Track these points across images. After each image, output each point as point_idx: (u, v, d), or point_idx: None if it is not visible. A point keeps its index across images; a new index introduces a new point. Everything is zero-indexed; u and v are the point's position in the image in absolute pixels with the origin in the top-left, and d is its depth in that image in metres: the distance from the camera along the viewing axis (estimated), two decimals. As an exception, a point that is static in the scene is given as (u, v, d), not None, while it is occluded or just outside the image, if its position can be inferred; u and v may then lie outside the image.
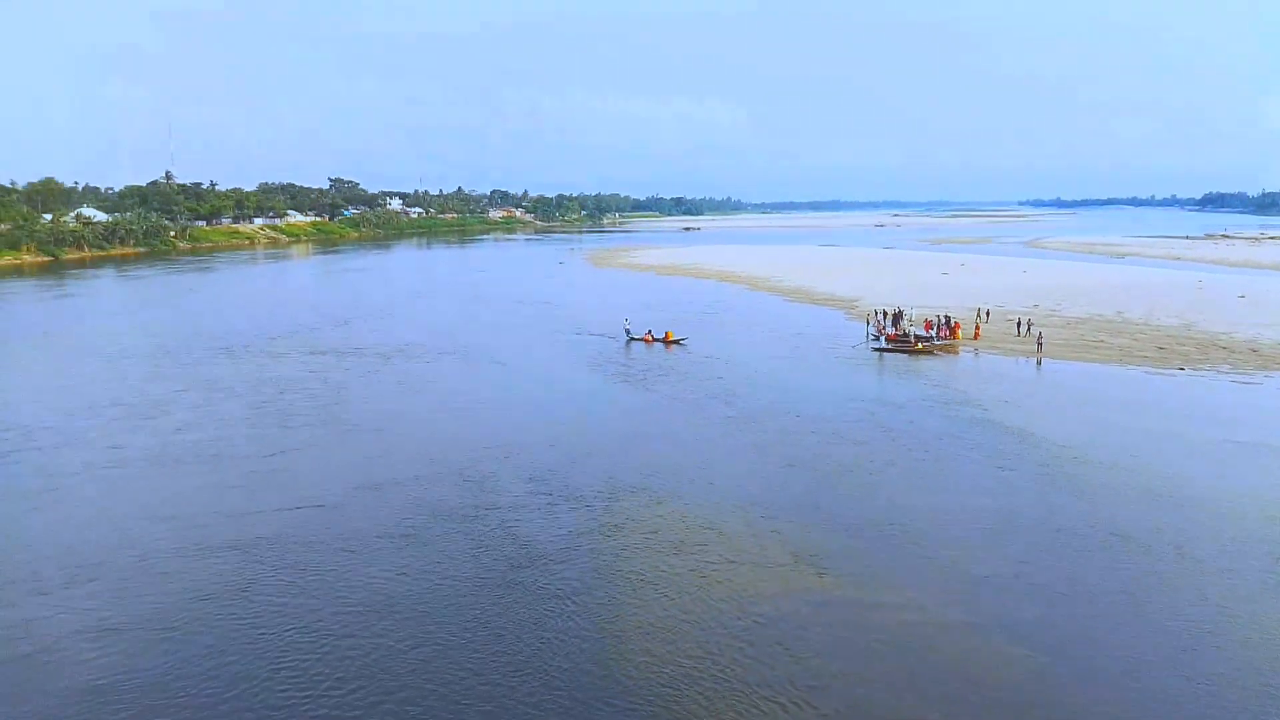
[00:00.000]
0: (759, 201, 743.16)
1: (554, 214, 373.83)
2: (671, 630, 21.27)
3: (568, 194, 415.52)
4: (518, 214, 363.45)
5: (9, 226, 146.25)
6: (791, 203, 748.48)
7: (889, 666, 19.66)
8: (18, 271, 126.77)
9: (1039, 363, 53.38)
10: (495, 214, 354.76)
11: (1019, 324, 63.56)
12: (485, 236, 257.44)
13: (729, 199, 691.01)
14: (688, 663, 19.72)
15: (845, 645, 20.54)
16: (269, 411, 42.48)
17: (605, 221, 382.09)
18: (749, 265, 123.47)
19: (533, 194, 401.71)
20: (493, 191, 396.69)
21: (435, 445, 36.75)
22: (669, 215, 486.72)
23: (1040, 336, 57.64)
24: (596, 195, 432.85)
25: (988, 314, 69.00)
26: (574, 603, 22.65)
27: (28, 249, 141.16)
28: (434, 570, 24.65)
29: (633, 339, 62.53)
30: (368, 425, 40.07)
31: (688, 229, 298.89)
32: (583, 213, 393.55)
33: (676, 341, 60.96)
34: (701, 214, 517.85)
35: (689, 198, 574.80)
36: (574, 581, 23.86)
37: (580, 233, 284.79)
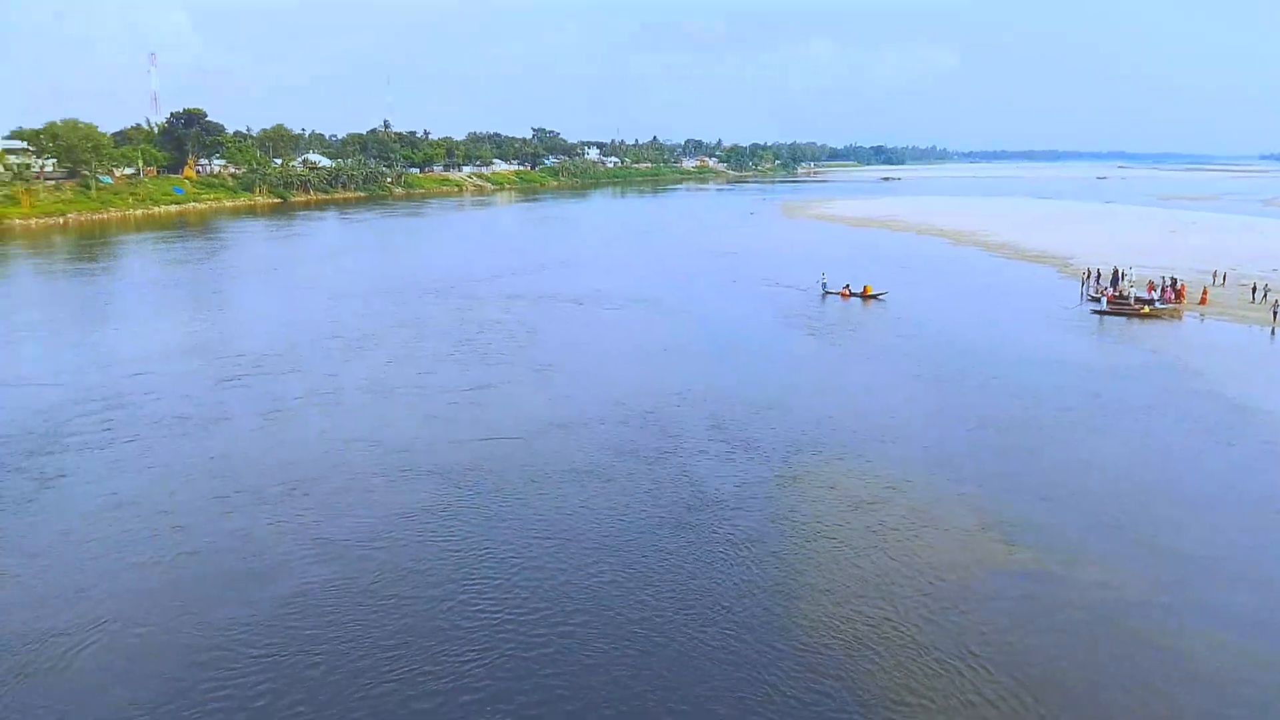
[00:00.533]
0: (966, 150, 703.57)
1: (747, 163, 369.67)
2: (846, 587, 21.03)
3: (762, 143, 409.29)
4: (710, 163, 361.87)
5: (245, 169, 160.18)
6: (1002, 152, 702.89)
7: (1080, 646, 18.63)
8: (251, 211, 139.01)
9: (1274, 332, 48.17)
10: (688, 163, 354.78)
11: (1254, 290, 57.42)
12: (678, 186, 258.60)
13: (933, 148, 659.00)
14: (863, 623, 19.46)
15: (1033, 620, 19.61)
16: (469, 349, 44.82)
17: (800, 171, 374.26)
18: (952, 218, 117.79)
19: (726, 143, 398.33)
20: (686, 141, 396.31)
21: (621, 388, 37.63)
22: (868, 165, 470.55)
23: (1278, 304, 51.86)
24: (791, 144, 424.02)
25: (1223, 278, 62.69)
26: (747, 550, 22.78)
27: (260, 190, 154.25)
28: (614, 506, 25.43)
29: (829, 293, 60.99)
30: (559, 366, 41.55)
31: (887, 179, 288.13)
32: (776, 162, 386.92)
33: (875, 296, 59.09)
34: (903, 163, 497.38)
35: (890, 146, 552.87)
36: (748, 529, 23.98)
37: (773, 182, 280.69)
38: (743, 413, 34.12)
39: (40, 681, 17.19)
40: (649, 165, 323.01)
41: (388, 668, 17.61)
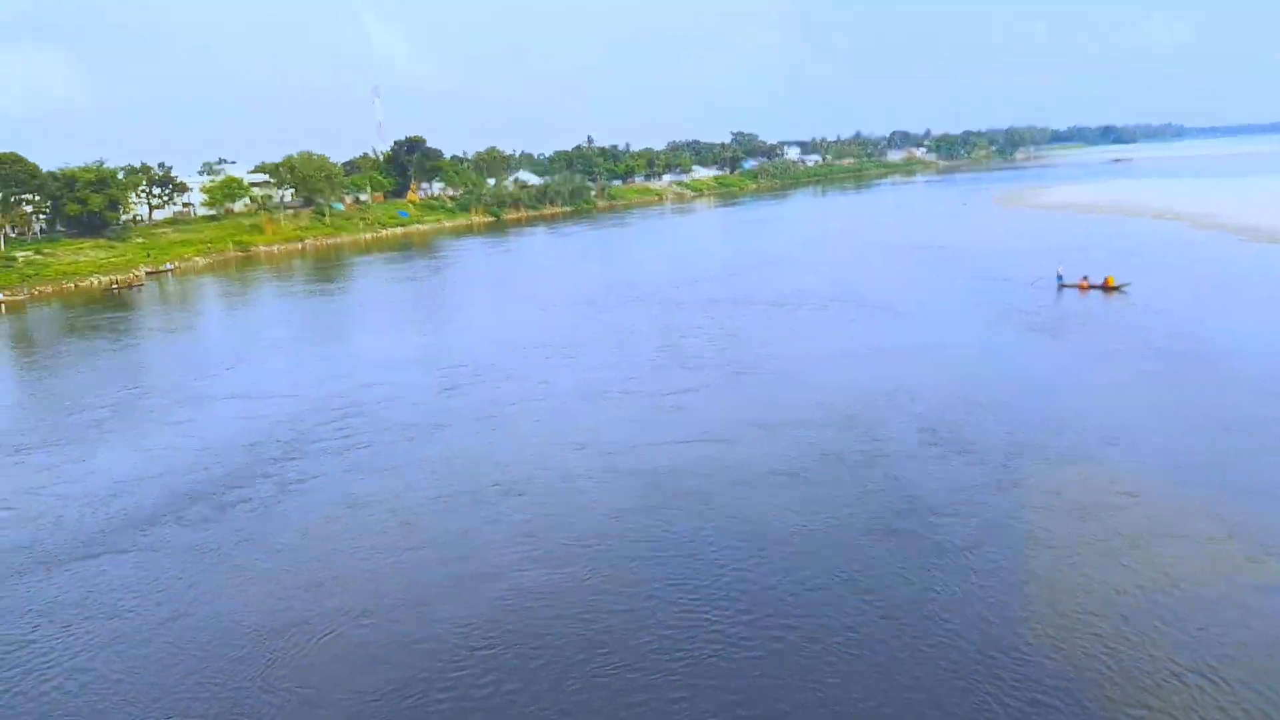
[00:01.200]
0: (1206, 126, 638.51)
1: (958, 152, 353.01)
2: (1072, 599, 19.50)
3: (975, 130, 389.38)
4: (918, 154, 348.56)
5: (462, 191, 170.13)
6: (1249, 126, 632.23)
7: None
8: (469, 230, 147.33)
9: None
10: (894, 156, 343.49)
11: None
12: (882, 180, 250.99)
13: (1169, 125, 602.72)
14: (1091, 637, 17.98)
15: (1296, 640, 17.40)
16: (671, 354, 45.37)
17: (1018, 157, 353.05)
18: (1192, 200, 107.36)
19: (935, 133, 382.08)
20: (892, 133, 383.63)
21: (825, 390, 36.84)
22: (1094, 146, 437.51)
23: None
24: (1008, 129, 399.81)
25: None
26: (961, 559, 21.62)
27: (476, 210, 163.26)
28: (819, 510, 24.87)
29: (1065, 285, 56.87)
30: (761, 369, 41.24)
31: (1117, 160, 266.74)
32: (991, 149, 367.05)
33: (1117, 288, 54.63)
34: (1134, 142, 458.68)
35: (1119, 125, 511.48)
36: (962, 537, 22.76)
37: (987, 170, 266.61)
38: (957, 414, 32.51)
39: (282, 669, 18.86)
40: (852, 161, 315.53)
41: (598, 664, 18.04)
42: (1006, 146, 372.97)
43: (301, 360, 51.08)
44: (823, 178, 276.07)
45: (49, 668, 19.32)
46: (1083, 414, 31.73)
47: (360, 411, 37.78)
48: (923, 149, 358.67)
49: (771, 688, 16.93)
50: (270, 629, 20.45)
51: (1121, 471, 26.18)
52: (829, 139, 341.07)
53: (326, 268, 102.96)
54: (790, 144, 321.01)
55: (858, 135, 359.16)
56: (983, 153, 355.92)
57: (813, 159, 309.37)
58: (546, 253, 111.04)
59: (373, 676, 18.22)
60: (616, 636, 19.04)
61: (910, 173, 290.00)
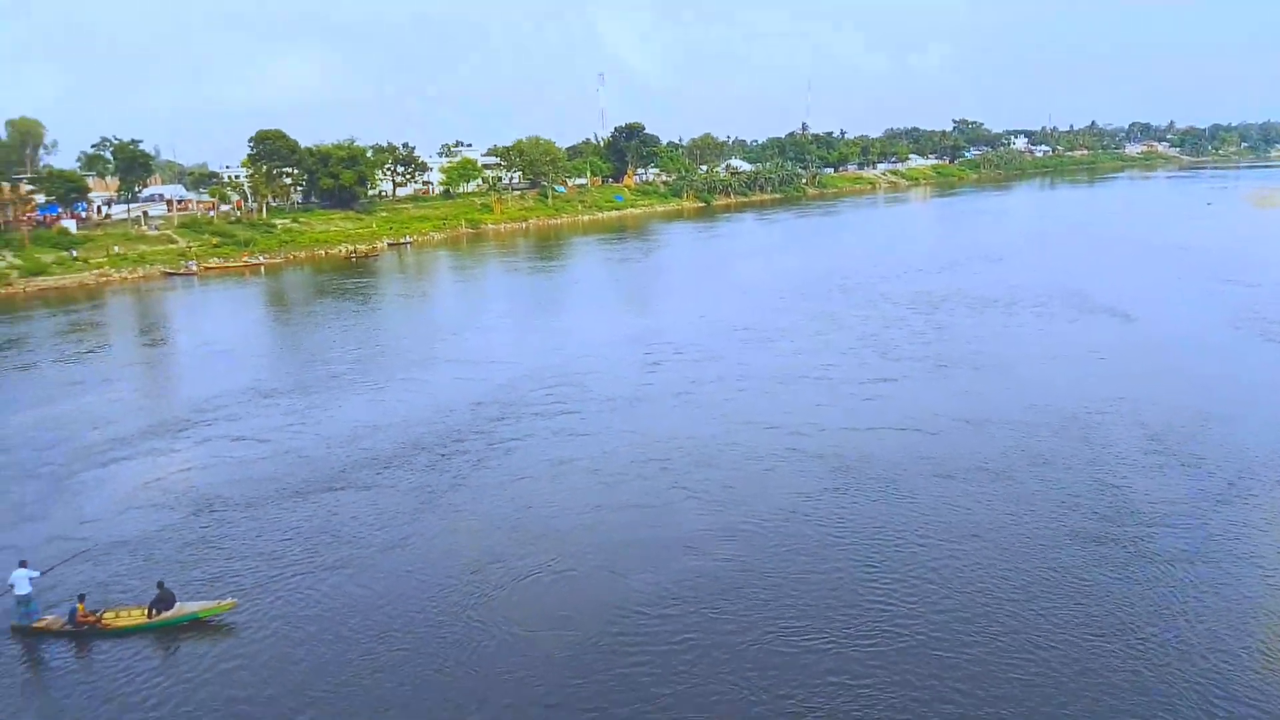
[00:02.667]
0: None
1: (1204, 147, 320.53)
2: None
3: (1224, 124, 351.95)
4: (1159, 149, 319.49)
5: (675, 177, 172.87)
6: None
7: None
8: (679, 214, 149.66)
9: None
10: (1132, 149, 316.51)
11: None
12: (1117, 175, 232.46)
13: None
14: (1321, 666, 16.59)
15: None
16: (873, 343, 44.73)
17: (1273, 154, 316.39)
18: None
19: (1179, 125, 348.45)
20: (1131, 124, 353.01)
21: (1038, 390, 35.28)
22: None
23: None
24: (1263, 123, 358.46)
25: None
26: (1184, 572, 20.37)
27: (687, 195, 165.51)
28: (1022, 510, 24.11)
29: None
30: (968, 364, 39.97)
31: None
32: (1242, 144, 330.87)
33: None
34: None
35: None
36: (1178, 551, 21.41)
37: (1236, 168, 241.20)
38: (1184, 424, 30.34)
39: (483, 603, 20.56)
40: (1084, 153, 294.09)
41: (778, 640, 18.49)
42: (1260, 143, 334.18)
43: (520, 331, 54.29)
44: (1051, 170, 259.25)
45: (294, 580, 22.01)
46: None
47: (570, 381, 39.82)
48: (1164, 143, 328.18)
49: (954, 685, 16.80)
50: (476, 566, 22.32)
51: (1377, 499, 23.69)
52: (1060, 129, 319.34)
53: (547, 247, 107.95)
54: (1017, 133, 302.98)
55: (1092, 125, 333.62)
56: (1232, 149, 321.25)
57: (1041, 150, 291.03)
58: (753, 239, 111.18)
59: (562, 628, 19.51)
60: (799, 615, 19.40)
61: (1149, 167, 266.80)
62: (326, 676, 17.90)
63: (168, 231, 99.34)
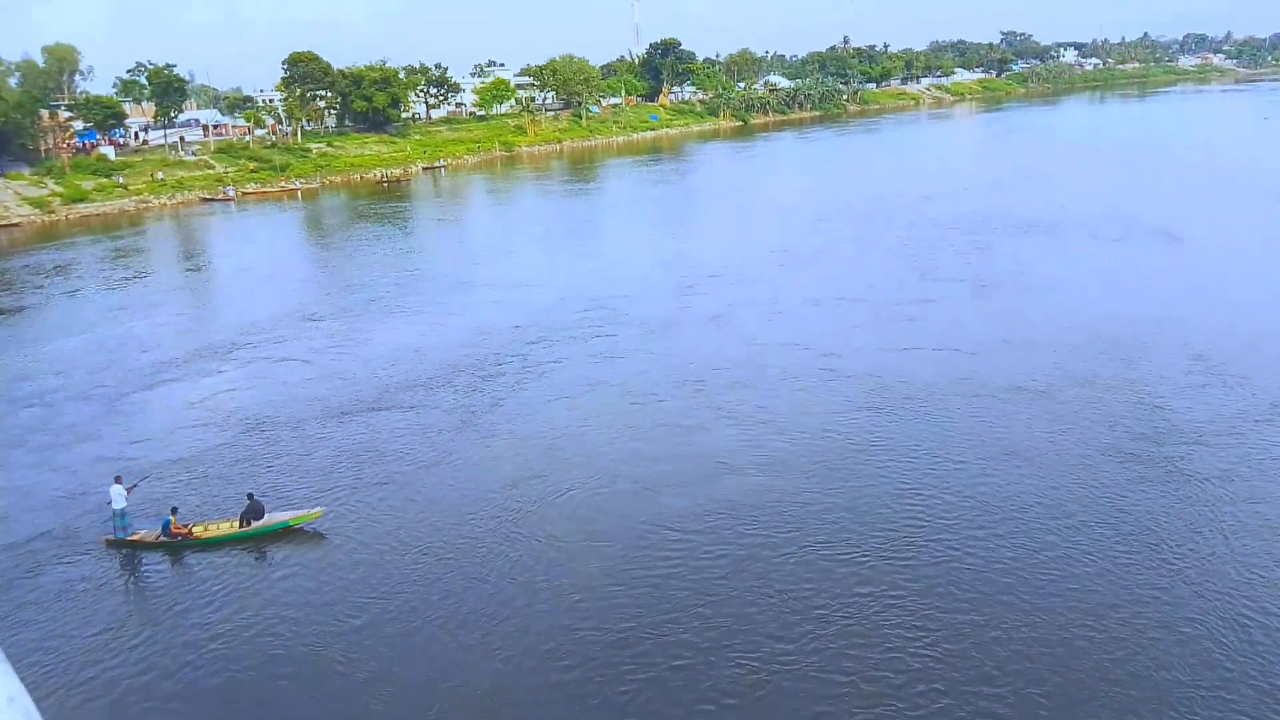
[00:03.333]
0: None
1: (1263, 58, 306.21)
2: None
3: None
4: (1215, 61, 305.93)
5: (711, 95, 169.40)
6: None
7: None
8: (715, 134, 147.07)
9: None
10: (1186, 62, 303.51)
11: None
12: (1170, 89, 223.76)
13: None
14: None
15: None
16: (913, 265, 44.18)
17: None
18: None
19: (1237, 36, 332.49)
20: (1185, 36, 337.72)
21: (1081, 312, 34.76)
22: None
23: None
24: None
25: None
26: (1219, 490, 20.28)
27: (724, 114, 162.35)
28: (1060, 429, 24.03)
29: None
30: (1009, 284, 39.43)
31: None
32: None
33: None
34: None
35: None
36: (1217, 469, 21.28)
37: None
38: (1230, 347, 29.75)
39: (518, 517, 21.04)
40: (1136, 66, 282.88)
41: (811, 559, 18.77)
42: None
43: (556, 255, 54.28)
44: (1101, 84, 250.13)
45: (349, 496, 22.65)
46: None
47: (606, 305, 39.90)
48: (1220, 55, 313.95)
49: (984, 600, 17.01)
50: (512, 481, 22.81)
51: None
52: (1111, 41, 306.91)
53: (581, 169, 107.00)
54: (1066, 46, 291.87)
55: (1144, 37, 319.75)
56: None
57: (1091, 63, 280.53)
58: (791, 159, 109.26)
59: (592, 543, 19.95)
60: (832, 531, 19.64)
61: (1203, 81, 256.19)
62: (377, 586, 18.56)
63: (204, 157, 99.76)
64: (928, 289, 39.31)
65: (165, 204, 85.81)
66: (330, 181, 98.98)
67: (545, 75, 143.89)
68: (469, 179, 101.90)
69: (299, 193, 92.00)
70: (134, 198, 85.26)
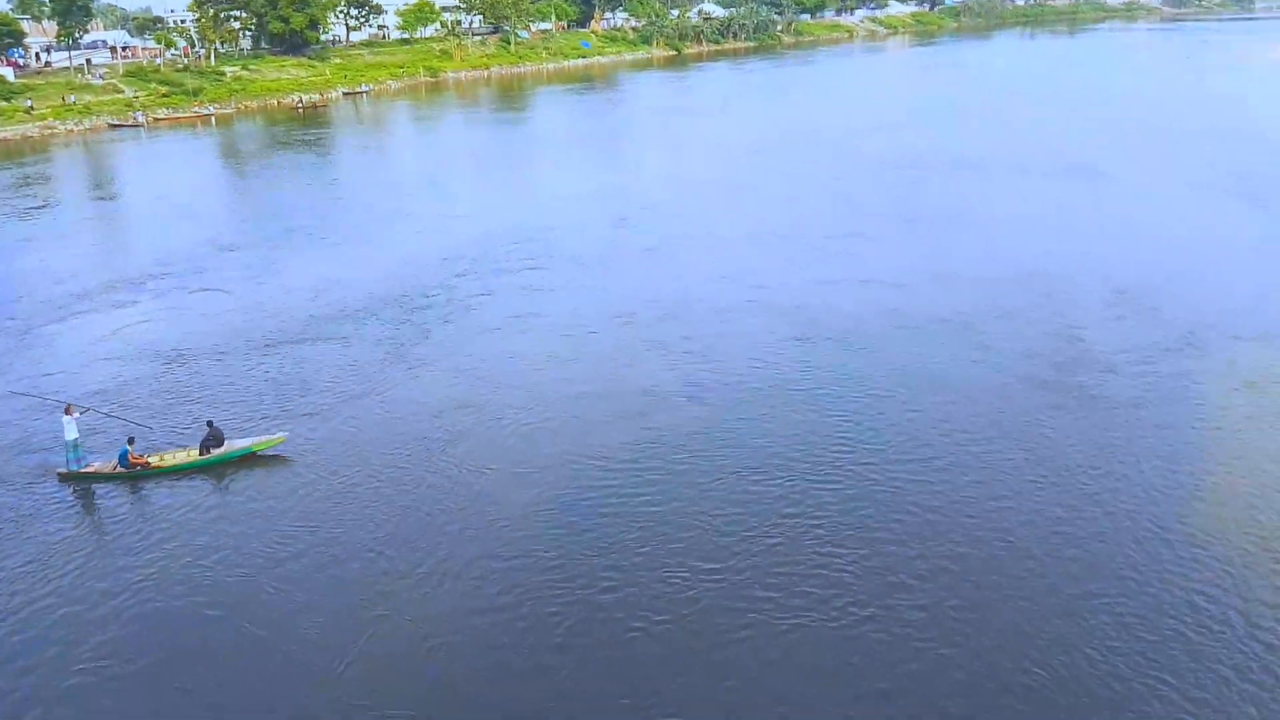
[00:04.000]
0: None
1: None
2: (1233, 472, 18.93)
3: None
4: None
5: (644, 22, 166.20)
6: None
7: None
8: (648, 63, 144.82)
9: None
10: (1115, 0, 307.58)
11: None
12: (1098, 25, 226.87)
13: None
14: (1250, 513, 17.56)
15: None
16: (842, 200, 44.65)
17: (1258, 7, 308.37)
18: None
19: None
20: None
21: (1004, 245, 35.67)
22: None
23: None
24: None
25: None
26: (1128, 416, 21.17)
27: (657, 43, 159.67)
28: (982, 359, 24.69)
29: None
30: (936, 220, 40.08)
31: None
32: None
33: None
34: None
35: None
36: (1132, 398, 22.18)
37: (1219, 19, 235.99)
38: (1151, 281, 30.68)
39: (452, 446, 20.96)
40: (1067, 2, 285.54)
41: (742, 484, 19.09)
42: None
43: (485, 186, 53.26)
44: (1032, 20, 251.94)
45: (276, 428, 22.20)
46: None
47: (535, 237, 39.42)
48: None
49: (906, 520, 17.55)
50: (443, 411, 22.65)
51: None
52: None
53: (511, 97, 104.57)
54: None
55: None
56: (1215, 0, 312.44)
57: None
58: (726, 91, 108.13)
59: (524, 467, 20.01)
60: (761, 459, 19.98)
61: (1131, 18, 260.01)
62: (308, 517, 18.37)
63: (113, 81, 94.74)
64: (856, 223, 39.72)
65: (72, 130, 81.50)
66: (246, 107, 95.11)
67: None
68: (393, 105, 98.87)
69: (213, 118, 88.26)
70: (38, 123, 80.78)
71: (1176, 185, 45.28)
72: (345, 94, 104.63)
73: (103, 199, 54.93)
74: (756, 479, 18.98)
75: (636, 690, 13.44)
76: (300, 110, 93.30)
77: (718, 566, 16.07)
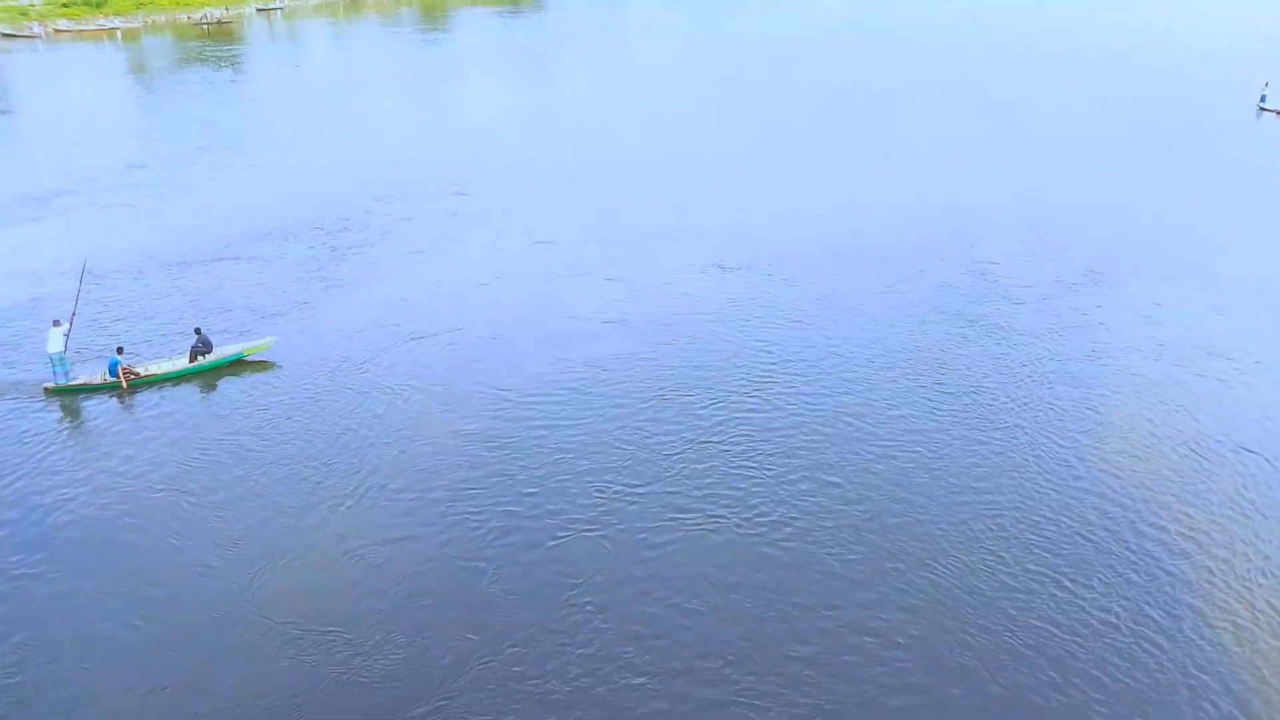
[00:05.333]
0: None
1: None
2: (1135, 400, 20.24)
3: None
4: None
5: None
6: None
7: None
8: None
9: None
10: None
11: None
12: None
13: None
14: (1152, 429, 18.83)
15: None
16: (766, 130, 45.00)
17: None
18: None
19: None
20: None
21: (923, 179, 36.55)
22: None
23: None
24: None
25: None
26: (1030, 346, 22.30)
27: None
28: (897, 288, 25.57)
29: (1266, 109, 48.01)
30: (858, 153, 40.84)
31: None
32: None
33: None
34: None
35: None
36: (1034, 327, 23.34)
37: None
38: (1060, 215, 31.87)
39: (375, 366, 21.05)
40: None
41: (665, 408, 19.64)
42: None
43: (406, 108, 52.21)
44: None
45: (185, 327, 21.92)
46: (1196, 232, 30.83)
47: (456, 161, 38.96)
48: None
49: (827, 438, 18.35)
50: (369, 330, 22.74)
51: (1210, 291, 26.04)
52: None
53: (434, 18, 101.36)
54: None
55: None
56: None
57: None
58: (659, 13, 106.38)
59: (448, 398, 20.25)
60: (685, 385, 20.51)
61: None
62: (240, 436, 18.35)
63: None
64: (778, 154, 40.31)
65: (-41, 38, 76.62)
66: (154, 22, 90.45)
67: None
68: (309, 23, 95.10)
69: (119, 33, 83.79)
70: (-80, 27, 75.70)
71: (1093, 122, 46.61)
72: (259, 10, 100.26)
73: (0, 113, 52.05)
74: (684, 401, 19.54)
75: (560, 593, 13.99)
76: (205, 27, 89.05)
77: (636, 483, 16.65)
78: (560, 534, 15.28)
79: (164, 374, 20.52)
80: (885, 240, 29.54)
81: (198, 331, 21.14)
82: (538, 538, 15.21)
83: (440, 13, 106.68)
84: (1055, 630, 13.17)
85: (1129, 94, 53.68)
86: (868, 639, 13.05)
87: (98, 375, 20.32)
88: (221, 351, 20.93)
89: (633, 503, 16.09)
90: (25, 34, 78.80)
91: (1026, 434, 18.36)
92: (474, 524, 15.57)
